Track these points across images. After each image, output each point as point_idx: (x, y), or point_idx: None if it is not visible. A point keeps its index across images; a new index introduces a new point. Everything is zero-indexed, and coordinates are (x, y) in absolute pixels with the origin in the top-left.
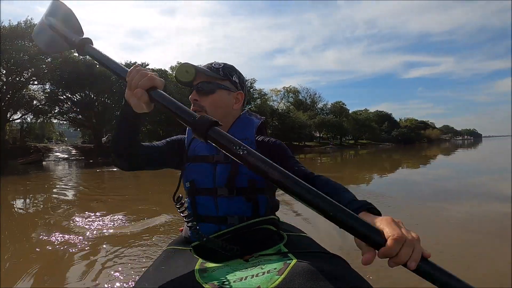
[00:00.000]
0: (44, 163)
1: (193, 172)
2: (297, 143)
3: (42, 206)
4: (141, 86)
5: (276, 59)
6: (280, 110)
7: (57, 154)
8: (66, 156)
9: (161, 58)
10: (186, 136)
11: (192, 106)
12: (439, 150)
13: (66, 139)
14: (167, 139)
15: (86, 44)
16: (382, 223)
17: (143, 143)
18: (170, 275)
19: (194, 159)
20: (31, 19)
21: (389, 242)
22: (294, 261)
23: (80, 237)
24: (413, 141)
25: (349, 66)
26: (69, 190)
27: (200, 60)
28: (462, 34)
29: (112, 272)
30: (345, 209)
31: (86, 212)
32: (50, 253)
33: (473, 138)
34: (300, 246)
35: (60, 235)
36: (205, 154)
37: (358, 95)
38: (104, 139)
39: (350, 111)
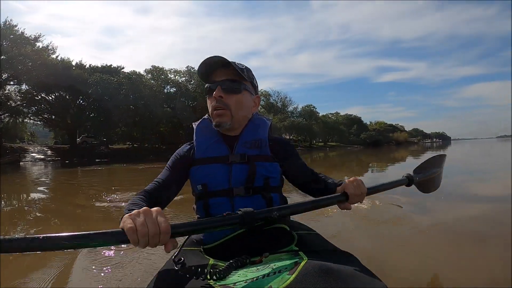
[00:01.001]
0: (21, 163)
1: (205, 174)
2: None
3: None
4: (164, 242)
5: (250, 61)
6: None
7: (33, 154)
8: (42, 156)
9: (134, 57)
10: (194, 138)
11: (214, 103)
12: (406, 152)
13: (37, 139)
14: (169, 165)
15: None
16: (345, 187)
17: (153, 189)
18: (184, 279)
19: (204, 161)
20: (11, 20)
21: (350, 198)
22: (305, 260)
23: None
24: (381, 143)
25: (322, 69)
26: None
27: (174, 61)
28: (434, 41)
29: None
30: (317, 199)
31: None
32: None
33: (441, 140)
34: (310, 244)
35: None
36: (218, 155)
37: (330, 98)
38: (78, 140)
39: (320, 114)
